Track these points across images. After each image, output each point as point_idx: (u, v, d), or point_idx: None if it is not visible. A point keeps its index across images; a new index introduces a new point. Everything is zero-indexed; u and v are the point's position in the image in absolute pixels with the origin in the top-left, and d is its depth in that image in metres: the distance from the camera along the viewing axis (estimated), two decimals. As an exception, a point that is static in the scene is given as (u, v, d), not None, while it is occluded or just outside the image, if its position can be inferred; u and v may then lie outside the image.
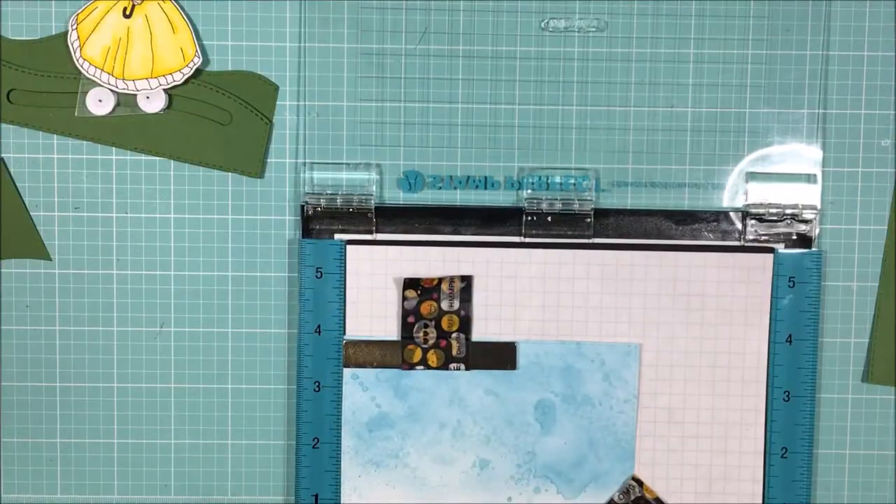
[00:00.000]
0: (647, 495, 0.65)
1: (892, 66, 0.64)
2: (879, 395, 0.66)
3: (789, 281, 0.63)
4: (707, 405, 0.64)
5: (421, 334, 0.64)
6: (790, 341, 0.64)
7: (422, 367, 0.64)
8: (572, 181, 0.63)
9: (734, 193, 0.64)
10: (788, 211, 0.63)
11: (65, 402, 0.65)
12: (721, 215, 0.64)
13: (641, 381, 0.64)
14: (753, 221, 0.63)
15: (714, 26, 0.63)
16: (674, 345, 0.64)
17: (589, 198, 0.64)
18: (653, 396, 0.64)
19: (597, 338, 0.64)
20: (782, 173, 0.64)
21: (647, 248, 0.64)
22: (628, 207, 0.64)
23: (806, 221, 0.63)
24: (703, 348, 0.64)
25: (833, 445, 0.66)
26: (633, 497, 0.65)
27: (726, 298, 0.64)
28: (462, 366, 0.64)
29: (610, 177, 0.64)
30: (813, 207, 0.63)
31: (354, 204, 0.63)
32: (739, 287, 0.64)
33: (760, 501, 0.64)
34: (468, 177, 0.64)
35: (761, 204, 0.63)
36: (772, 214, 0.63)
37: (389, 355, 0.64)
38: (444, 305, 0.64)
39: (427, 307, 0.64)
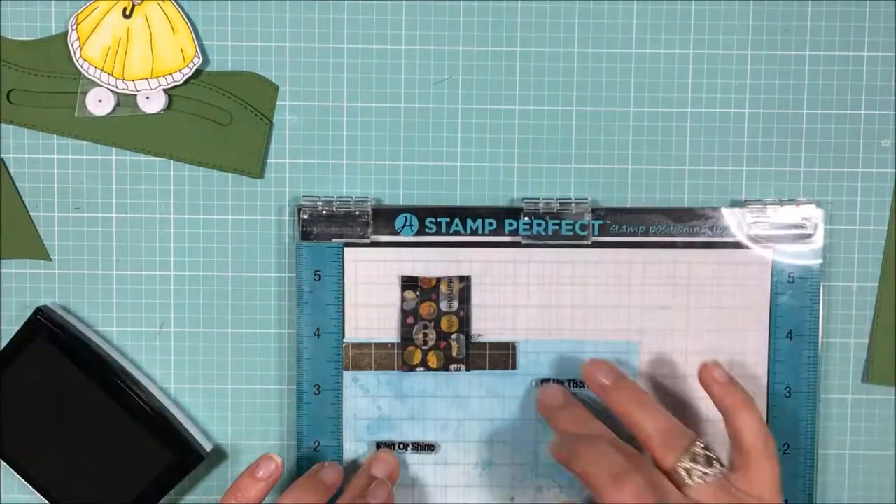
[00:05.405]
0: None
1: (892, 66, 0.64)
2: (879, 395, 0.66)
3: (788, 277, 0.63)
4: (708, 402, 0.64)
5: (420, 336, 0.64)
6: (790, 337, 0.64)
7: (422, 368, 0.64)
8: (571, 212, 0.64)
9: (734, 192, 0.64)
10: (788, 209, 0.63)
11: (64, 403, 0.65)
12: (720, 212, 0.63)
13: (641, 378, 0.64)
14: (753, 219, 0.63)
15: (714, 26, 0.63)
16: (674, 342, 0.64)
17: (585, 199, 0.64)
18: (653, 394, 0.64)
19: (597, 336, 0.64)
20: (782, 172, 0.64)
21: (646, 246, 0.63)
22: (628, 206, 0.64)
23: (806, 220, 0.63)
24: (702, 345, 0.64)
25: (833, 445, 0.66)
26: (634, 496, 0.64)
27: (726, 295, 0.64)
28: (462, 367, 0.64)
29: (609, 177, 0.64)
30: (813, 207, 0.63)
31: (352, 207, 0.63)
32: (739, 284, 0.64)
33: (762, 499, 0.64)
34: (468, 179, 0.64)
35: (761, 202, 0.63)
36: (771, 212, 0.63)
37: (389, 357, 0.64)
38: (444, 306, 0.64)
39: (426, 308, 0.64)
